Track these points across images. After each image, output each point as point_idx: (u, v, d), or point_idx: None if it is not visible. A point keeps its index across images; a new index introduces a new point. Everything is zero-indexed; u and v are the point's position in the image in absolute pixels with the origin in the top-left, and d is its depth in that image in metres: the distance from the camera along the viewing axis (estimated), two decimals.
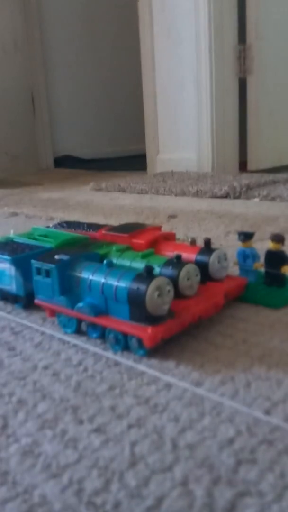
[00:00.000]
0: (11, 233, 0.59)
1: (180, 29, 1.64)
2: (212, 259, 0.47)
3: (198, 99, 1.62)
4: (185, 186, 1.30)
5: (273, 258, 0.50)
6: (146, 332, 0.38)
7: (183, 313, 0.41)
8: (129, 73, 2.57)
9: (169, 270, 0.44)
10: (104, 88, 2.71)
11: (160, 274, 0.43)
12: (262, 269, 0.51)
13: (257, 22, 1.61)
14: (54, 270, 0.44)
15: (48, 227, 0.61)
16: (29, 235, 0.57)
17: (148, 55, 1.76)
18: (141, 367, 0.38)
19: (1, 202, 1.39)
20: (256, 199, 1.14)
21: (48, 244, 0.52)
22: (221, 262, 0.48)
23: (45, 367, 0.39)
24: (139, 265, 0.46)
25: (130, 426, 0.31)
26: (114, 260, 0.48)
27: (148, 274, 0.39)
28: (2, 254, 0.51)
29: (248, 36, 1.63)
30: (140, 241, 0.51)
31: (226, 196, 1.19)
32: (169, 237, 0.54)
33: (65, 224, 0.60)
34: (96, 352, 0.41)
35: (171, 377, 0.36)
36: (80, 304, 0.43)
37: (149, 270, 0.39)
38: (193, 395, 0.34)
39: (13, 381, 0.37)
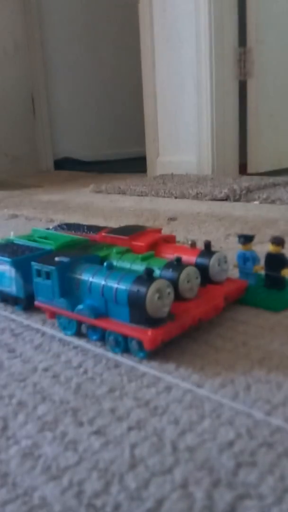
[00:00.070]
0: (11, 235, 0.59)
1: (181, 31, 1.64)
2: (212, 261, 0.47)
3: (198, 101, 1.62)
4: (185, 189, 1.30)
5: (273, 261, 0.50)
6: (146, 335, 0.38)
7: (183, 315, 0.41)
8: (129, 75, 2.57)
9: (169, 273, 0.44)
10: (105, 90, 2.72)
11: (160, 277, 0.43)
12: (262, 272, 0.51)
13: (257, 26, 1.61)
14: (54, 272, 0.44)
15: (48, 229, 0.61)
16: (29, 237, 0.57)
17: (149, 57, 1.77)
18: (141, 369, 0.38)
19: (1, 204, 1.40)
20: (256, 202, 1.14)
21: (48, 246, 0.52)
22: (221, 265, 0.48)
23: (45, 369, 0.39)
24: (139, 267, 0.46)
25: (130, 428, 0.31)
26: (114, 262, 0.48)
27: (148, 277, 0.39)
28: (2, 256, 0.51)
29: (249, 39, 1.63)
30: (140, 243, 0.51)
31: (226, 198, 1.19)
32: (169, 240, 0.54)
33: (65, 226, 0.61)
34: (96, 354, 0.41)
35: (171, 380, 0.36)
36: (80, 306, 0.43)
37: (149, 273, 0.39)
38: (193, 397, 0.34)
39: (13, 383, 0.37)
